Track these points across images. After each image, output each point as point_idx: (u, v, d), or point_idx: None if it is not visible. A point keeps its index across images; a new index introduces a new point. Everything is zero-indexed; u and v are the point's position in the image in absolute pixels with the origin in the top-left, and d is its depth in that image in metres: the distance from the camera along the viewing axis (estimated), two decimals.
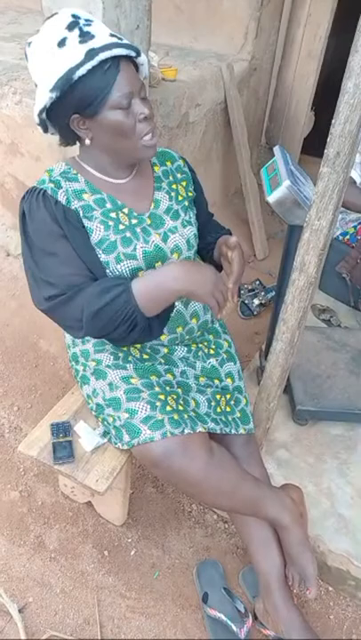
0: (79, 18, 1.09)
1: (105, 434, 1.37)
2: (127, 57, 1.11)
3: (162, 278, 1.14)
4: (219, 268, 1.35)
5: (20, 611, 1.41)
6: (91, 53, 1.05)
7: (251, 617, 1.37)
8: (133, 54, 1.11)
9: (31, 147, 2.17)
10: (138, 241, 1.24)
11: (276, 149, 1.56)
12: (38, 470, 1.77)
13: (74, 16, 1.09)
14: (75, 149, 1.99)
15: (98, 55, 1.05)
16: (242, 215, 2.78)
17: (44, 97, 1.10)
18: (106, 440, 1.37)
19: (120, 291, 1.12)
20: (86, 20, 1.10)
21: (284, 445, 1.73)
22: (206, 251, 1.46)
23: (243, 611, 1.38)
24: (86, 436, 1.37)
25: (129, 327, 1.14)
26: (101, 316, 1.12)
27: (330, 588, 1.52)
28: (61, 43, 1.06)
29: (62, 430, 1.39)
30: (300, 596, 1.46)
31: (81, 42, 1.06)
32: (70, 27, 1.07)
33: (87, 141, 1.17)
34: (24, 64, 2.39)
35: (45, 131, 1.20)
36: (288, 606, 1.30)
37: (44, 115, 1.14)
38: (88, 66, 1.05)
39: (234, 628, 1.34)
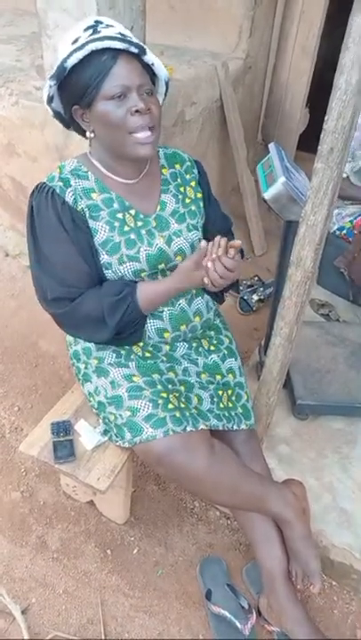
0: (100, 23, 1.14)
1: (105, 432, 1.37)
2: (128, 52, 1.11)
3: (169, 286, 1.24)
4: None
5: (23, 612, 1.41)
6: (85, 44, 1.08)
7: (255, 613, 1.37)
8: (134, 50, 1.11)
9: (28, 147, 2.17)
10: (142, 244, 1.25)
11: (272, 146, 1.57)
12: (40, 470, 1.77)
13: (96, 21, 1.14)
14: (71, 149, 2.01)
15: (88, 45, 1.07)
16: (239, 211, 2.79)
17: (46, 86, 1.15)
18: (107, 438, 1.37)
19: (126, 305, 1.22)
20: (107, 25, 1.14)
21: (284, 440, 1.73)
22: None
23: (246, 607, 1.38)
24: (87, 434, 1.37)
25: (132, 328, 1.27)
26: (117, 321, 1.23)
27: (333, 583, 1.52)
28: (75, 41, 1.11)
29: (63, 429, 1.39)
30: (304, 592, 1.46)
31: (87, 37, 1.10)
32: (87, 29, 1.12)
33: (89, 134, 1.20)
34: (20, 66, 2.41)
35: (64, 124, 1.26)
36: (292, 602, 1.30)
37: (52, 105, 1.19)
38: (79, 55, 1.08)
39: (238, 624, 1.34)
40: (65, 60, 1.10)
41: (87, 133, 1.20)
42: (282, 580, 1.31)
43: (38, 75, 2.25)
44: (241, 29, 2.79)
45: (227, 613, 1.36)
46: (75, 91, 1.13)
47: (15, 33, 2.95)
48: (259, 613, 1.38)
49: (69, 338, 1.46)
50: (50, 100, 1.18)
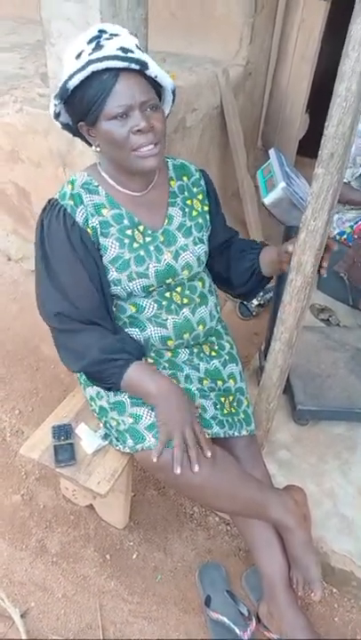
0: (104, 32, 1.13)
1: (106, 436, 1.37)
2: (129, 69, 1.11)
3: (152, 390, 1.19)
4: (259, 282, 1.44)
5: (21, 616, 1.40)
6: (85, 65, 1.08)
7: (254, 620, 1.36)
8: (135, 67, 1.10)
9: (31, 153, 2.19)
10: (150, 260, 1.26)
11: (272, 152, 1.57)
12: (40, 474, 1.77)
13: (99, 31, 1.13)
14: (74, 155, 2.02)
15: (89, 67, 1.08)
16: (239, 217, 2.80)
17: (51, 104, 1.17)
18: (107, 442, 1.37)
19: (118, 367, 1.21)
20: (111, 35, 1.13)
21: (285, 446, 1.73)
22: (250, 273, 1.43)
23: (246, 614, 1.38)
24: (87, 438, 1.38)
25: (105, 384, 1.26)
26: (93, 373, 1.25)
27: (334, 590, 1.51)
28: (78, 55, 1.11)
29: (63, 433, 1.39)
30: (304, 599, 1.45)
31: (90, 54, 1.09)
32: (90, 40, 1.11)
33: (95, 148, 1.21)
34: (24, 73, 2.43)
35: (74, 135, 1.27)
36: (293, 609, 1.29)
37: (60, 119, 1.21)
38: (80, 76, 1.09)
39: (237, 631, 1.33)
40: (67, 82, 1.11)
41: (93, 147, 1.21)
42: (282, 586, 1.30)
43: (42, 82, 2.27)
44: (241, 36, 2.81)
45: (226, 620, 1.36)
46: (79, 109, 1.14)
47: (19, 41, 2.98)
48: (258, 620, 1.37)
49: None
50: (57, 115, 1.20)
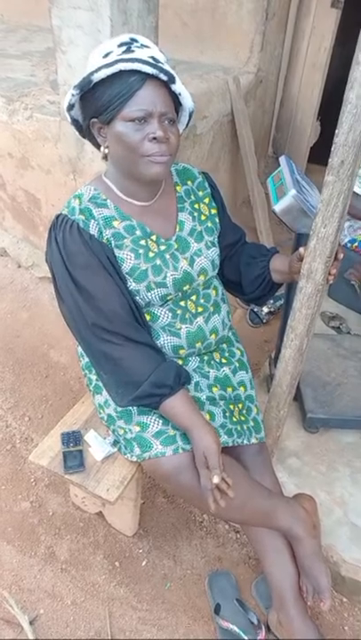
0: (135, 41, 1.14)
1: (115, 443, 1.37)
2: (157, 78, 1.11)
3: (194, 432, 1.19)
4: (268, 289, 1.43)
5: (31, 622, 1.40)
6: (115, 62, 1.08)
7: (264, 629, 1.35)
8: (163, 77, 1.10)
9: (41, 160, 2.21)
10: (168, 269, 1.26)
11: (282, 159, 1.58)
12: (49, 480, 1.78)
13: (131, 39, 1.14)
14: (84, 162, 2.04)
15: (117, 64, 1.07)
16: (250, 224, 2.80)
17: (69, 94, 1.15)
18: (116, 449, 1.37)
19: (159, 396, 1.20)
20: (142, 45, 1.14)
21: (295, 454, 1.72)
22: (261, 280, 1.42)
23: (256, 622, 1.36)
24: (97, 445, 1.38)
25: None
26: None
27: (344, 599, 1.49)
28: (106, 55, 1.11)
29: (73, 440, 1.40)
30: (314, 608, 1.43)
31: (119, 55, 1.10)
32: (122, 44, 1.12)
33: (104, 149, 1.20)
34: (34, 80, 2.46)
35: (80, 133, 1.26)
36: (303, 618, 1.28)
37: (71, 113, 1.19)
38: (107, 71, 1.08)
39: (246, 639, 1.32)
40: (92, 73, 1.09)
41: (101, 148, 1.20)
42: (292, 595, 1.29)
43: (52, 89, 2.29)
44: (252, 44, 2.82)
45: (235, 628, 1.35)
46: (96, 105, 1.13)
47: (30, 49, 3.02)
48: (268, 629, 1.36)
49: (80, 349, 1.46)
50: (70, 107, 1.18)
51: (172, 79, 1.12)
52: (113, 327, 1.19)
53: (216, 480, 1.13)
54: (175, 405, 1.20)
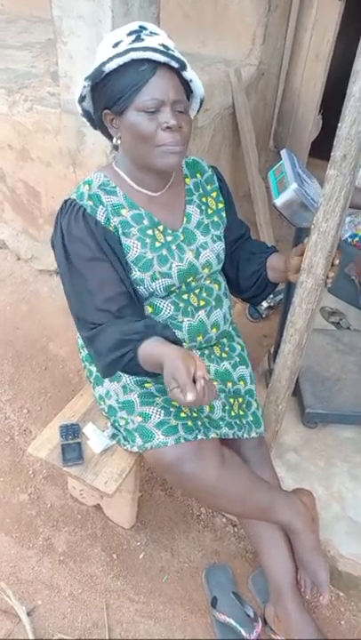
0: (145, 29, 1.13)
1: (114, 436, 1.37)
2: (168, 66, 1.10)
3: (165, 359, 1.05)
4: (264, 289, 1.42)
5: (28, 613, 1.41)
6: (126, 51, 1.07)
7: (260, 622, 1.36)
8: (175, 65, 1.10)
9: (41, 152, 2.19)
10: (173, 259, 1.26)
11: (284, 153, 1.56)
12: (47, 473, 1.78)
13: (140, 27, 1.13)
14: (84, 155, 2.02)
15: (129, 53, 1.07)
16: (250, 218, 2.78)
17: (80, 85, 1.15)
18: (115, 442, 1.37)
19: (129, 351, 1.12)
20: (151, 32, 1.13)
21: (293, 448, 1.72)
22: (256, 277, 1.41)
23: (252, 616, 1.37)
24: (95, 437, 1.38)
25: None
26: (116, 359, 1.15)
27: (341, 594, 1.50)
28: (116, 44, 1.10)
29: (71, 432, 1.40)
30: (310, 602, 1.44)
31: (129, 43, 1.09)
32: (131, 33, 1.11)
33: (116, 141, 1.19)
34: (35, 72, 2.44)
35: (92, 125, 1.25)
36: (300, 612, 1.29)
37: (83, 104, 1.19)
38: (119, 61, 1.07)
39: (243, 633, 1.33)
40: (104, 64, 1.09)
41: (114, 139, 1.20)
42: (290, 589, 1.30)
43: (53, 81, 2.27)
44: (254, 36, 2.80)
45: (232, 621, 1.35)
46: (108, 95, 1.12)
47: (30, 40, 2.99)
48: (265, 622, 1.37)
49: (80, 341, 1.46)
50: (82, 98, 1.18)
51: (183, 66, 1.12)
52: (104, 318, 1.17)
53: (190, 397, 0.96)
54: (146, 347, 1.09)
